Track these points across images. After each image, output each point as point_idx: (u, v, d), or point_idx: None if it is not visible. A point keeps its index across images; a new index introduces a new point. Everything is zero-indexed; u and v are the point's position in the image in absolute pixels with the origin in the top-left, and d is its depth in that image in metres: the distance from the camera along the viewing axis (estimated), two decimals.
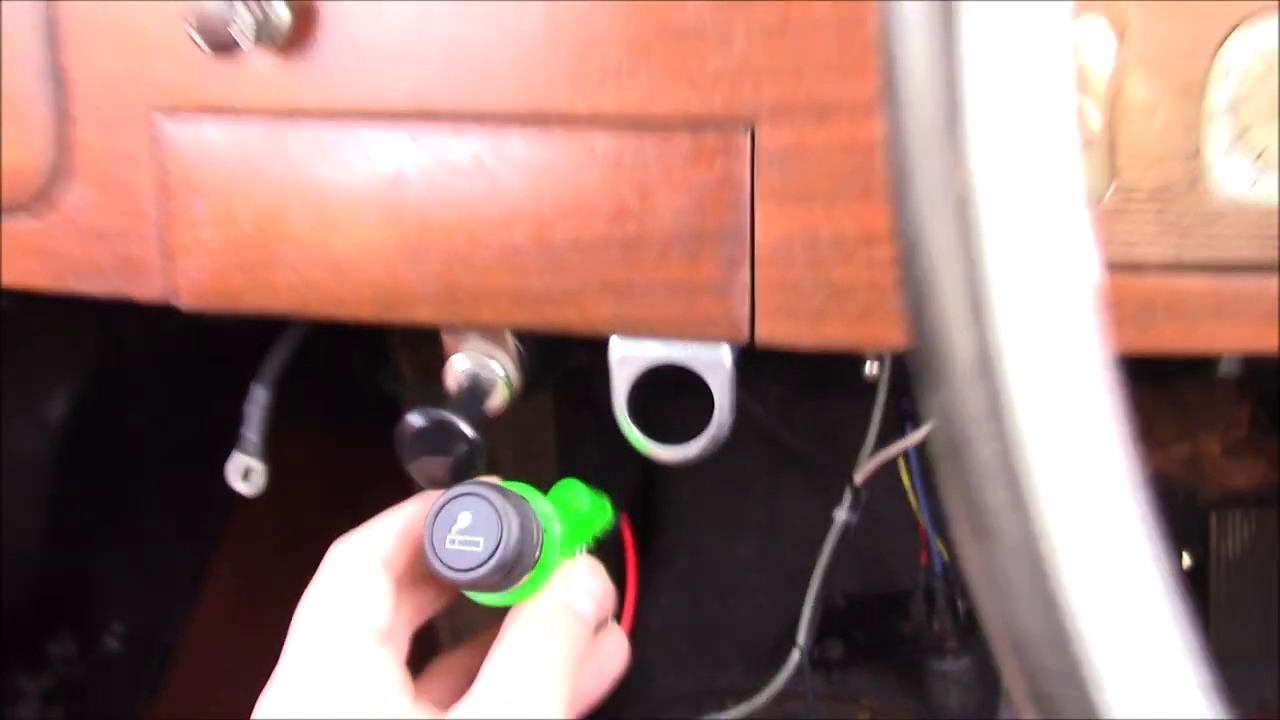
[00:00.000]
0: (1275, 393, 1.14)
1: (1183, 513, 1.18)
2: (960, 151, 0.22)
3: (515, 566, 0.52)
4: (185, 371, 1.29)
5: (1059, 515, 0.23)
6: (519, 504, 0.53)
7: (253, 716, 0.51)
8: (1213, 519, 1.17)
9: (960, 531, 0.24)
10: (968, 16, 0.21)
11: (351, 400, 1.32)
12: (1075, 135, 0.22)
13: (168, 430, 1.31)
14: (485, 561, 0.51)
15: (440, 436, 0.57)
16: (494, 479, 0.57)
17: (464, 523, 0.52)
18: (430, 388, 0.68)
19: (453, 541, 0.52)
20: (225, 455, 0.69)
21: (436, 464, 0.57)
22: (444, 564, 0.52)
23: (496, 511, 0.52)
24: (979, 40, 0.21)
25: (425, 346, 1.07)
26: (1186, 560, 1.19)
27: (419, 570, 0.55)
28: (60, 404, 1.29)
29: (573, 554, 0.58)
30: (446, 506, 0.53)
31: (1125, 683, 0.23)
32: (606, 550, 0.62)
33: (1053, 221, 0.22)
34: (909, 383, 0.89)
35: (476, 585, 0.53)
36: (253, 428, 0.66)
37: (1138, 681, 0.23)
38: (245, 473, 0.66)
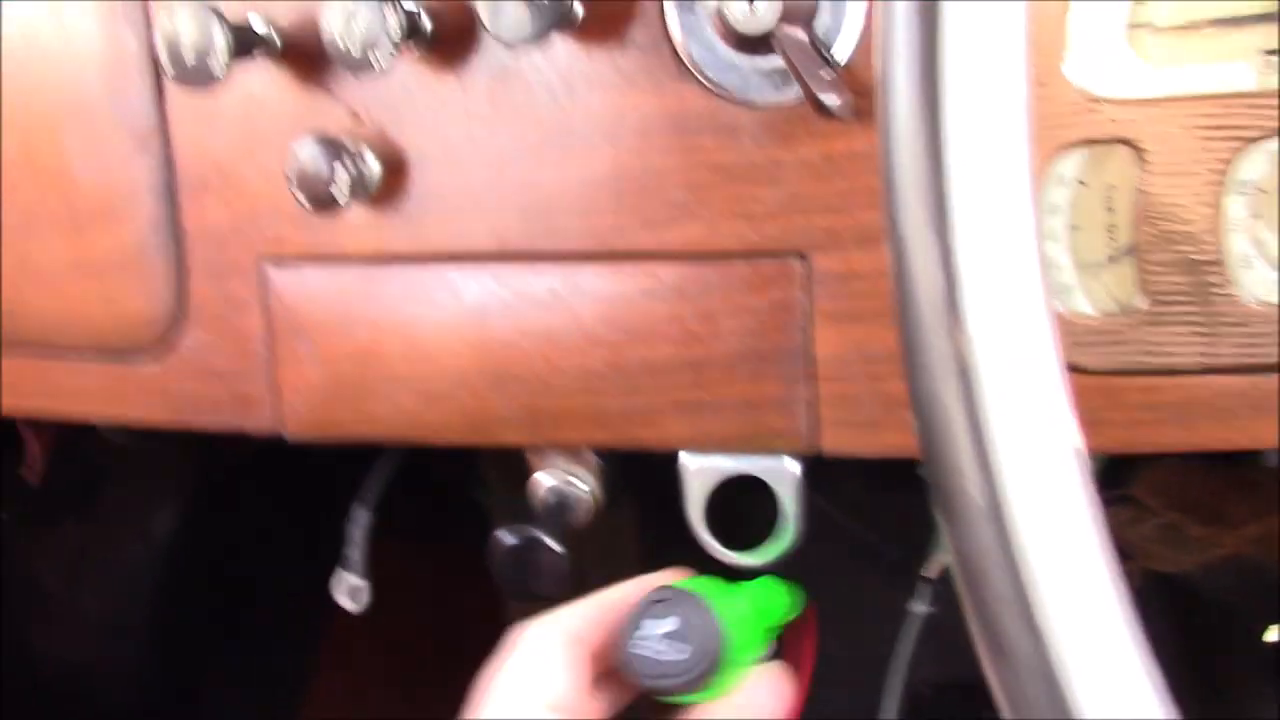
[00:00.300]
0: None
1: (1261, 592, 1.18)
2: (960, 332, 0.26)
3: (706, 675, 0.54)
4: (283, 483, 1.35)
5: (1066, 637, 0.27)
6: (713, 612, 0.54)
7: None
8: None
9: (981, 650, 0.28)
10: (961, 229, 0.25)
11: (442, 510, 1.37)
12: (1052, 320, 0.26)
13: (268, 541, 1.37)
14: (683, 672, 0.53)
15: (529, 551, 0.62)
16: (687, 579, 0.59)
17: (661, 629, 0.54)
18: (517, 498, 0.73)
19: (647, 646, 0.54)
20: (324, 565, 0.73)
21: (527, 577, 0.61)
22: (640, 671, 0.54)
23: (695, 622, 0.53)
24: (971, 245, 0.25)
25: (512, 460, 1.12)
26: (1274, 634, 1.19)
27: (611, 660, 0.56)
28: (166, 519, 1.36)
29: (762, 648, 0.60)
30: (646, 610, 0.54)
31: None
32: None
33: (1037, 389, 0.26)
34: None
35: (665, 692, 0.54)
36: (356, 547, 0.71)
37: None
38: (351, 591, 0.71)
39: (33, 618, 1.29)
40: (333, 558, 0.81)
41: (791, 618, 0.64)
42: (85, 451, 1.19)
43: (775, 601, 0.62)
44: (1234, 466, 1.17)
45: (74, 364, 0.72)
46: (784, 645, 0.64)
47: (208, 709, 1.33)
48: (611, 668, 0.56)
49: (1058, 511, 0.27)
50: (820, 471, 0.65)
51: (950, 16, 0.26)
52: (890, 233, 0.28)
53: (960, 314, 0.27)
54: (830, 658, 1.25)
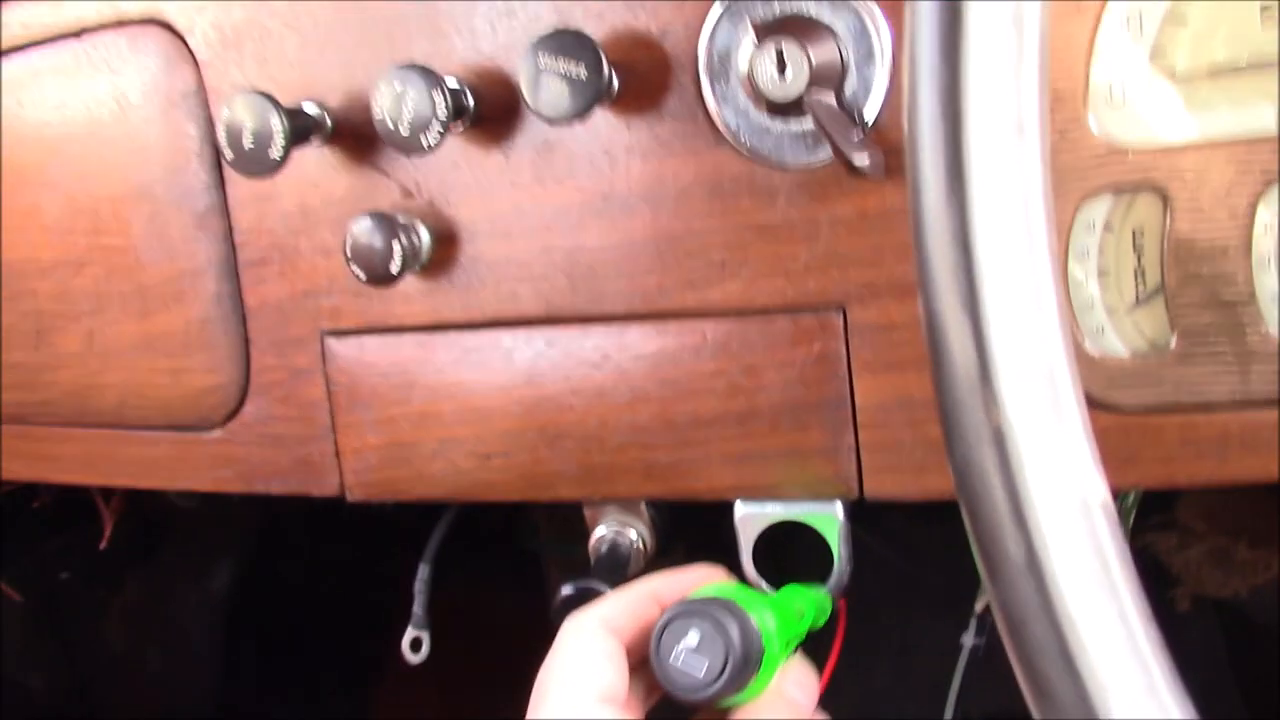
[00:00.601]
0: None
1: None
2: (994, 401, 0.28)
3: (736, 682, 0.55)
4: (334, 534, 1.38)
5: (1103, 680, 0.29)
6: (743, 620, 0.56)
7: None
8: None
9: (1026, 693, 0.30)
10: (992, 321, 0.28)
11: (493, 558, 1.40)
12: (1079, 390, 0.29)
13: (322, 593, 1.40)
14: (711, 683, 0.55)
15: (588, 600, 0.64)
16: (719, 585, 0.60)
17: (691, 641, 0.55)
18: (569, 546, 0.75)
19: (678, 658, 0.55)
20: (377, 615, 0.76)
21: None
22: (669, 680, 0.55)
23: (723, 633, 0.55)
24: (1001, 327, 0.28)
25: (563, 509, 1.14)
26: None
27: (644, 652, 0.58)
28: (223, 576, 1.39)
29: (790, 652, 0.61)
30: (674, 622, 0.56)
31: None
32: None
33: (1066, 455, 0.28)
34: None
35: (699, 702, 0.56)
36: (420, 602, 0.73)
37: None
38: (413, 642, 0.74)
39: (99, 676, 1.32)
40: (385, 608, 0.83)
41: (821, 623, 0.65)
42: (146, 513, 1.22)
43: (804, 606, 0.64)
44: None
45: (145, 436, 0.75)
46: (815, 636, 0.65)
47: None
48: (643, 660, 0.58)
49: (1090, 565, 0.29)
50: (867, 507, 0.66)
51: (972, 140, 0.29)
52: (926, 315, 0.30)
53: (994, 391, 0.29)
54: (882, 690, 1.26)
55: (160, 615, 1.36)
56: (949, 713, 1.05)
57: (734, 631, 0.55)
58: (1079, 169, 0.57)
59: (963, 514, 0.30)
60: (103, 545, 1.10)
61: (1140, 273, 0.59)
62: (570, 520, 0.77)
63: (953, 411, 0.29)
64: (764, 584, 0.67)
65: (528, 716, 0.56)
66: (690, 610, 0.56)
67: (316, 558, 1.40)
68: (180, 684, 1.37)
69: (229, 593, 1.38)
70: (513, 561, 1.31)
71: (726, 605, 0.56)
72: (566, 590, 0.64)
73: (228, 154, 0.63)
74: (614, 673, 0.56)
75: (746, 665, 0.55)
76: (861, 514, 0.67)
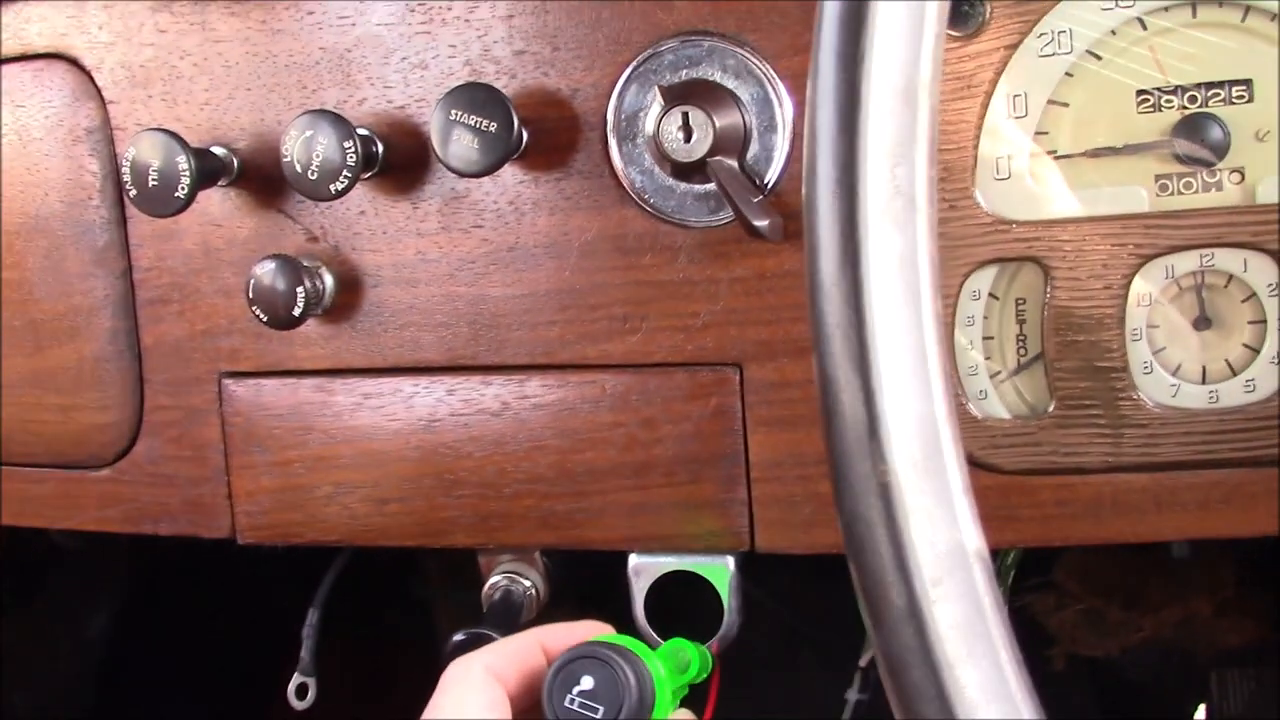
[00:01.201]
0: (1260, 553, 1.20)
1: (1183, 674, 1.22)
2: (880, 455, 0.30)
3: None
4: (215, 589, 1.35)
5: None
6: (638, 668, 0.56)
7: None
8: (1213, 679, 1.22)
9: None
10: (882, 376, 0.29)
11: (381, 604, 1.38)
12: (959, 449, 0.30)
13: (199, 646, 1.37)
14: None
15: (478, 646, 0.64)
16: (609, 636, 0.60)
17: (585, 685, 0.55)
18: (456, 589, 0.75)
19: (572, 702, 0.55)
20: (259, 660, 0.74)
21: None
22: None
23: (618, 679, 0.55)
24: (890, 387, 0.30)
25: (453, 553, 1.14)
26: (1201, 714, 1.23)
27: (526, 700, 0.58)
28: (100, 622, 1.35)
29: (676, 704, 0.61)
30: (568, 666, 0.56)
31: None
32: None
33: (947, 509, 0.30)
34: None
35: None
36: (307, 648, 0.73)
37: None
38: (300, 689, 0.73)
39: None
40: (268, 653, 0.82)
41: (702, 677, 0.65)
42: (25, 554, 1.19)
43: (686, 660, 0.64)
44: (1152, 551, 1.22)
45: (30, 473, 0.74)
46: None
47: None
48: (525, 708, 0.57)
49: (967, 612, 0.31)
50: (757, 562, 0.68)
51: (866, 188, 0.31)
52: (819, 372, 0.32)
53: (881, 445, 0.30)
54: None
55: (32, 660, 1.32)
56: None
57: (630, 676, 0.55)
58: (966, 239, 0.60)
59: (849, 563, 0.32)
60: None
61: (1022, 339, 0.62)
62: (462, 567, 0.77)
63: (842, 464, 0.31)
64: (653, 634, 0.68)
65: None
66: (585, 654, 0.56)
67: (200, 602, 1.37)
68: None
69: (107, 638, 1.35)
70: (402, 609, 1.30)
71: (621, 651, 0.56)
72: (459, 637, 0.64)
73: (131, 191, 0.63)
74: (500, 715, 0.56)
75: (641, 709, 0.56)
76: (751, 569, 0.68)
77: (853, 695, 1.03)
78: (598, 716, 0.55)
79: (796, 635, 1.20)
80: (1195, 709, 1.22)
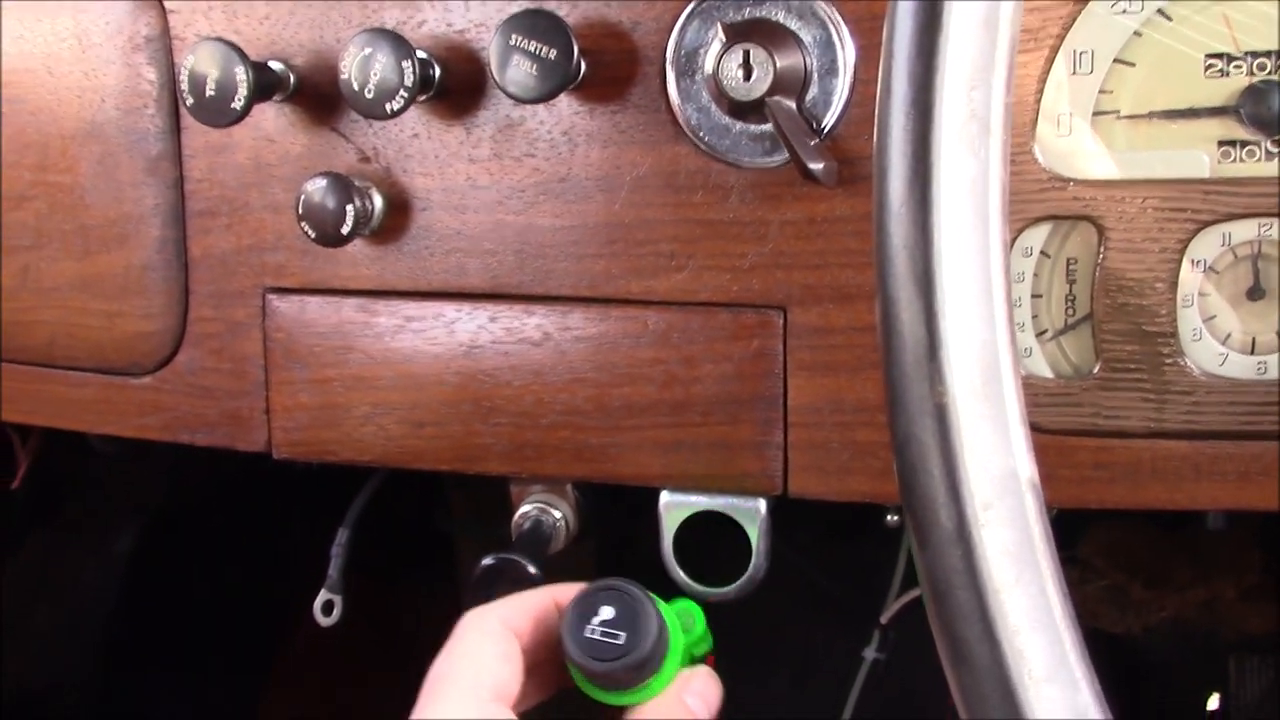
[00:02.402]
0: None
1: (1203, 656, 1.22)
2: (939, 377, 0.30)
3: (647, 664, 0.55)
4: (243, 514, 1.37)
5: (1020, 647, 0.30)
6: (651, 606, 0.56)
7: None
8: (1231, 664, 1.21)
9: (944, 658, 0.32)
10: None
11: (401, 543, 1.39)
12: (1017, 372, 0.30)
13: (224, 569, 1.38)
14: (625, 654, 0.54)
15: (507, 575, 0.65)
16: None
17: (605, 615, 0.55)
18: (481, 524, 0.76)
19: (593, 632, 0.54)
20: (280, 585, 0.75)
21: (498, 597, 0.64)
22: (582, 652, 0.54)
23: (639, 609, 0.55)
24: (952, 307, 0.29)
25: (477, 486, 1.15)
26: (1214, 703, 1.22)
27: (539, 654, 0.57)
28: (128, 540, 1.37)
29: (687, 662, 0.60)
30: (588, 598, 0.55)
31: None
32: None
33: (1004, 430, 0.30)
34: None
35: (610, 677, 0.55)
36: (336, 566, 0.73)
37: None
38: (327, 606, 0.74)
39: None
40: (290, 579, 0.83)
41: (702, 650, 0.64)
42: (58, 464, 1.20)
43: (692, 622, 0.63)
44: (1179, 531, 1.21)
45: (72, 376, 0.75)
46: None
47: None
48: (538, 662, 0.57)
49: (1016, 539, 0.30)
50: (782, 518, 0.68)
51: (942, 105, 0.30)
52: (881, 291, 0.31)
53: (940, 367, 0.30)
54: (780, 698, 1.28)
55: (56, 574, 1.34)
56: None
57: (649, 607, 0.55)
58: (1022, 195, 0.59)
59: (899, 486, 0.32)
60: (15, 485, 1.08)
61: (1071, 299, 0.61)
62: (485, 504, 0.77)
63: (898, 385, 0.31)
64: (680, 571, 0.68)
65: (420, 709, 0.55)
66: (604, 587, 0.56)
67: (223, 531, 1.39)
68: (70, 646, 1.34)
69: (131, 557, 1.36)
70: (423, 543, 1.31)
71: (636, 591, 0.56)
72: (488, 561, 0.64)
73: (188, 100, 0.63)
74: (510, 673, 0.55)
75: (660, 644, 0.55)
76: (778, 524, 0.68)
77: (870, 654, 1.03)
78: (620, 643, 0.54)
79: (817, 593, 1.20)
80: (1210, 695, 1.22)
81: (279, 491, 1.17)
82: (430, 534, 1.27)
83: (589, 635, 0.55)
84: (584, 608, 0.55)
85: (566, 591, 0.59)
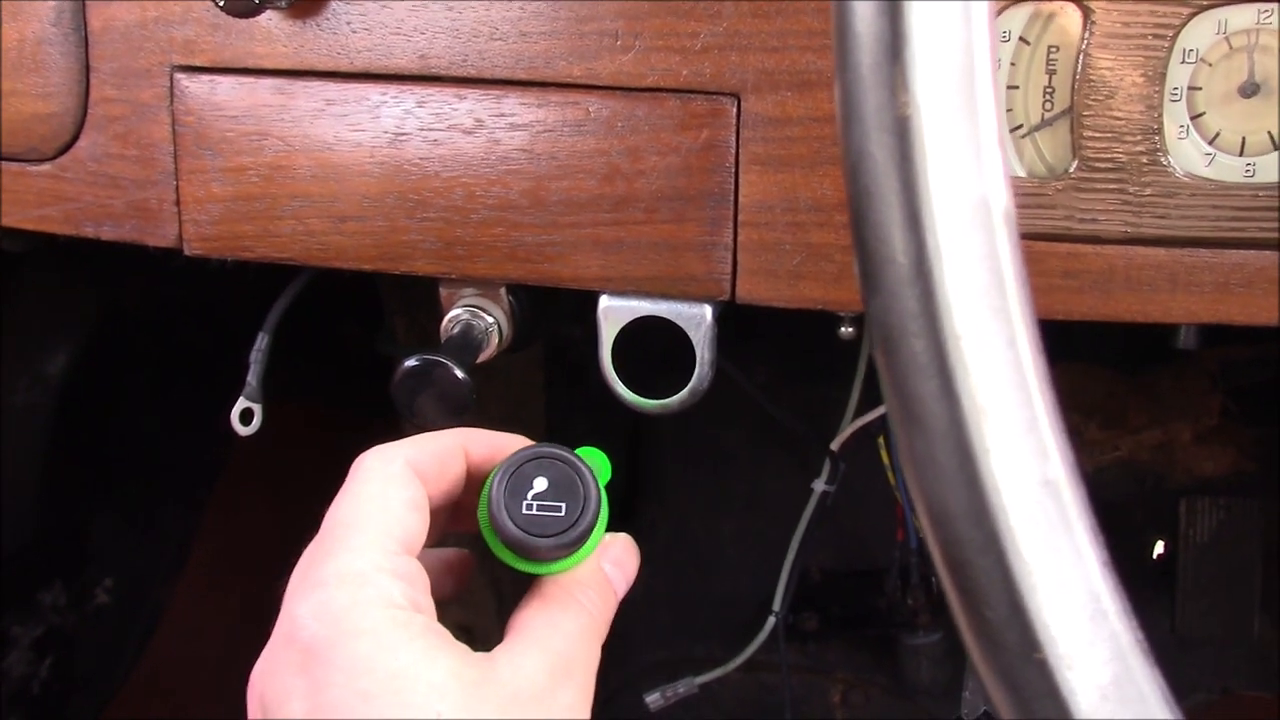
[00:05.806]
0: (1246, 383, 1.17)
1: (1152, 498, 1.21)
2: (902, 82, 0.25)
3: (586, 535, 0.49)
4: (179, 336, 1.32)
5: (981, 403, 0.26)
6: (587, 473, 0.50)
7: (284, 602, 0.46)
8: (1183, 506, 1.20)
9: (894, 420, 0.27)
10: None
11: (345, 371, 1.35)
12: (994, 77, 0.25)
13: (161, 393, 1.34)
14: (568, 528, 0.48)
15: (433, 379, 0.60)
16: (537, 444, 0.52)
17: (539, 486, 0.49)
18: (425, 350, 0.71)
19: (529, 506, 0.49)
20: (215, 419, 0.70)
21: (428, 405, 0.60)
22: (519, 528, 0.48)
23: (575, 475, 0.49)
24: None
25: (420, 311, 1.10)
26: (1159, 549, 1.22)
27: (437, 502, 0.51)
28: (60, 361, 1.32)
29: (604, 525, 0.54)
30: (516, 471, 0.49)
31: (1035, 551, 0.26)
32: None
33: (977, 150, 0.25)
34: None
35: (549, 552, 0.49)
36: (254, 373, 0.69)
37: (1047, 550, 0.26)
38: (243, 414, 0.69)
39: None
40: (229, 403, 0.78)
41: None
42: None
43: (600, 468, 0.57)
44: (1139, 374, 1.19)
45: None
46: None
47: (93, 551, 1.30)
48: (435, 510, 0.51)
49: (985, 279, 0.26)
50: (736, 356, 0.63)
51: None
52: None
53: (904, 70, 0.25)
54: (729, 535, 1.26)
55: None
56: (791, 557, 1.05)
57: (587, 475, 0.49)
58: None
59: (850, 215, 0.27)
60: None
61: (1050, 92, 0.56)
62: (430, 327, 0.72)
63: (853, 92, 0.26)
64: (619, 382, 0.64)
65: (321, 556, 0.47)
66: (531, 456, 0.49)
67: (158, 354, 1.34)
68: (2, 465, 1.30)
69: (64, 379, 1.31)
70: (367, 374, 1.27)
71: (579, 456, 0.50)
72: (411, 362, 0.60)
73: None
74: (418, 522, 0.49)
75: (599, 507, 0.49)
76: (734, 345, 0.64)
77: (819, 485, 1.00)
78: (561, 514, 0.49)
79: (768, 429, 1.18)
80: (1157, 538, 1.21)
81: (216, 311, 1.12)
82: (372, 367, 1.22)
83: (526, 511, 0.49)
84: (516, 481, 0.49)
85: (476, 439, 0.52)
